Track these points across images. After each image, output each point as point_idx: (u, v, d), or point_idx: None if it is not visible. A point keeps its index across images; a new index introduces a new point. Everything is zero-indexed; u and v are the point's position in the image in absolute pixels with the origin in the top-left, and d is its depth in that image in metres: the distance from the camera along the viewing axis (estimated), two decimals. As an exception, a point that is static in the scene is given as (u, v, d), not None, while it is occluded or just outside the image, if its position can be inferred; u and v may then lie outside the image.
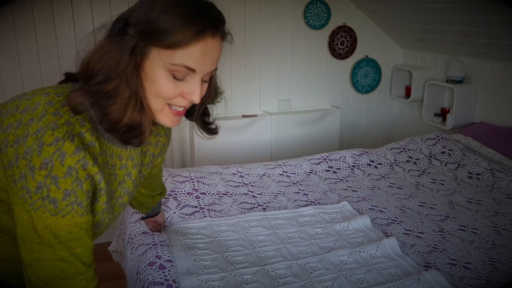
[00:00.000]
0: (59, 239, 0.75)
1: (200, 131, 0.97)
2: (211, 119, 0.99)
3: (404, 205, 1.84)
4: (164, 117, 0.84)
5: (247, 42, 3.08)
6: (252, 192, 1.93)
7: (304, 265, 1.36)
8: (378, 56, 3.44)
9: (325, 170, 2.22)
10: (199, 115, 0.95)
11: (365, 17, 3.33)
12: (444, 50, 3.00)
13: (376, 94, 3.53)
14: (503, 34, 2.37)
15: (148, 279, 1.26)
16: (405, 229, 1.63)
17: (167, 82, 0.78)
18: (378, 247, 1.45)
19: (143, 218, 1.53)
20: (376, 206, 1.82)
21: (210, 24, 0.77)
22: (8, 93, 2.64)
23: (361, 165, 2.27)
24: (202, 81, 0.83)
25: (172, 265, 1.32)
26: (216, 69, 0.84)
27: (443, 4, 2.50)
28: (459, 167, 2.23)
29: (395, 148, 2.42)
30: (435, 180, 2.13)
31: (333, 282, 1.27)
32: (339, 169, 2.23)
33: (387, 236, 1.55)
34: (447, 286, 1.25)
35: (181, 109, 0.84)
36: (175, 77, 0.78)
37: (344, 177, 2.15)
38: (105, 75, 0.76)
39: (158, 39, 0.74)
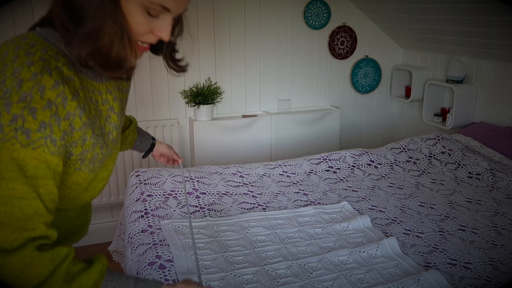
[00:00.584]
0: (23, 172, 0.70)
1: (169, 68, 0.96)
2: (179, 56, 0.98)
3: (404, 205, 1.84)
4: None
5: (247, 42, 3.08)
6: (252, 192, 1.93)
7: (304, 265, 1.36)
8: (378, 56, 3.44)
9: (325, 170, 2.22)
10: (168, 51, 0.95)
11: (365, 17, 3.33)
12: (444, 50, 3.00)
13: (376, 94, 3.53)
14: (503, 34, 2.37)
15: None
16: (405, 229, 1.63)
17: (140, 18, 0.78)
18: (378, 247, 1.45)
19: (144, 156, 1.51)
20: (376, 206, 1.82)
21: None
22: (8, 93, 2.65)
23: (361, 165, 2.27)
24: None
25: (172, 265, 1.32)
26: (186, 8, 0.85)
27: (443, 4, 2.50)
28: (459, 167, 2.23)
29: (395, 148, 2.42)
30: (435, 180, 2.13)
31: (333, 282, 1.27)
32: (339, 169, 2.24)
33: (387, 236, 1.55)
34: (447, 286, 1.25)
35: (146, 45, 0.84)
36: (149, 14, 0.78)
37: (344, 177, 2.15)
38: (91, 14, 0.74)
39: None
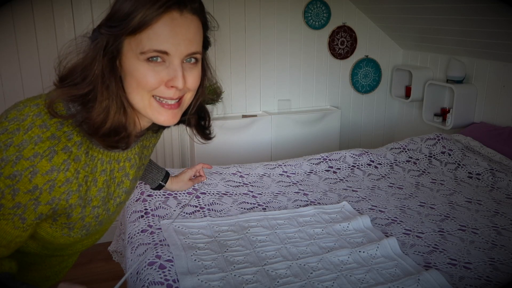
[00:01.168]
0: None
1: (194, 134, 0.94)
2: (207, 124, 0.95)
3: (404, 205, 1.84)
4: (155, 113, 0.80)
5: (247, 42, 3.08)
6: (252, 192, 1.93)
7: (304, 265, 1.36)
8: (378, 56, 3.44)
9: (325, 170, 2.22)
10: (195, 115, 0.92)
11: (365, 17, 3.33)
12: (444, 50, 3.00)
13: (376, 94, 3.53)
14: (503, 34, 2.37)
15: (148, 279, 1.26)
16: (405, 229, 1.63)
17: (144, 70, 0.75)
18: (378, 247, 1.45)
19: (157, 188, 1.40)
20: (376, 206, 1.82)
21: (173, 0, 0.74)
22: (8, 93, 2.64)
23: (361, 165, 2.27)
24: (189, 67, 0.79)
25: (172, 265, 1.32)
26: (197, 52, 0.80)
27: (443, 4, 2.50)
28: (459, 167, 2.23)
29: (395, 148, 2.42)
30: (435, 180, 2.13)
31: (333, 282, 1.27)
32: (339, 169, 2.23)
33: (387, 236, 1.55)
34: (447, 286, 1.25)
35: (171, 102, 0.79)
36: (151, 60, 0.75)
37: (344, 177, 2.15)
38: (81, 77, 0.75)
39: (122, 26, 0.73)
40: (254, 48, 3.11)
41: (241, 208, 1.77)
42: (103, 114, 0.76)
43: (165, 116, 0.80)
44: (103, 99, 0.75)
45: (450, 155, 2.32)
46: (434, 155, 2.36)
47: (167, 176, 1.37)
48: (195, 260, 1.35)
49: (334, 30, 3.24)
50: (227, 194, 1.89)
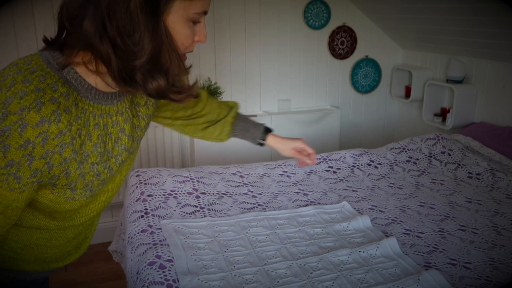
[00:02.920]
0: None
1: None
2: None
3: (404, 205, 1.84)
4: None
5: (247, 42, 3.08)
6: (252, 192, 1.93)
7: (304, 265, 1.36)
8: (378, 56, 3.44)
9: (325, 170, 2.22)
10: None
11: (365, 17, 3.33)
12: (444, 50, 3.01)
13: (376, 94, 3.53)
14: (503, 34, 2.37)
15: (148, 279, 1.26)
16: (405, 229, 1.63)
17: (188, 31, 0.79)
18: (378, 247, 1.45)
19: (261, 144, 1.39)
20: (376, 206, 1.82)
21: None
22: (8, 93, 2.65)
23: (361, 165, 2.27)
24: None
25: (172, 265, 1.32)
26: None
27: (443, 4, 2.50)
28: (459, 167, 2.23)
29: (395, 148, 2.42)
30: (435, 180, 2.13)
31: (333, 282, 1.27)
32: (339, 169, 2.24)
33: (387, 236, 1.55)
34: (447, 286, 1.25)
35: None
36: (194, 23, 0.81)
37: (344, 177, 2.15)
38: (147, 43, 0.74)
39: None
40: (254, 48, 3.11)
41: (241, 208, 1.77)
42: (180, 66, 0.80)
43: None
44: (166, 55, 0.77)
45: (450, 155, 2.32)
46: (434, 155, 2.36)
47: (266, 131, 1.38)
48: (195, 260, 1.35)
49: (334, 30, 3.24)
50: (227, 194, 1.89)
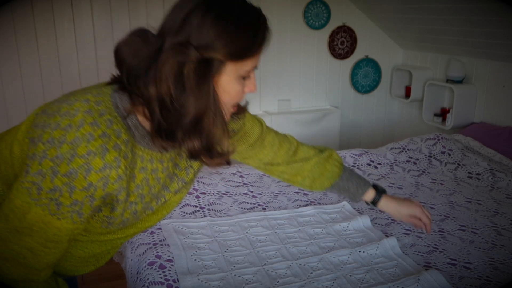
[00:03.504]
0: (42, 235, 0.77)
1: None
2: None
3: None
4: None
5: (247, 42, 3.08)
6: (252, 192, 1.93)
7: (304, 265, 1.36)
8: (378, 56, 3.44)
9: (325, 170, 2.22)
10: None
11: (365, 17, 3.33)
12: (444, 50, 3.01)
13: (376, 94, 3.53)
14: (503, 34, 2.37)
15: (148, 279, 1.26)
16: (405, 229, 1.63)
17: (239, 87, 0.83)
18: (378, 247, 1.45)
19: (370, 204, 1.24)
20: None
21: (267, 27, 0.84)
22: (8, 92, 2.65)
23: (361, 165, 2.27)
24: None
25: (172, 265, 1.32)
26: None
27: (443, 4, 2.50)
28: (459, 167, 2.23)
29: (395, 148, 2.42)
30: (435, 180, 2.13)
31: (333, 282, 1.27)
32: (339, 169, 2.23)
33: (387, 236, 1.55)
34: (447, 286, 1.25)
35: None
36: (243, 78, 0.84)
37: (344, 177, 2.15)
38: (196, 110, 0.78)
39: (238, 56, 0.79)
40: (254, 48, 3.11)
41: (241, 208, 1.77)
42: (220, 131, 0.82)
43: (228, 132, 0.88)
44: (209, 117, 0.80)
45: (450, 155, 2.32)
46: (434, 155, 2.36)
47: (378, 192, 1.22)
48: (195, 260, 1.35)
49: (334, 30, 3.24)
50: (227, 194, 1.89)
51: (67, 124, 0.74)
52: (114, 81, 0.86)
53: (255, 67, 0.85)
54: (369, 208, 1.72)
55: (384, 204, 1.22)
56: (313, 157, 1.20)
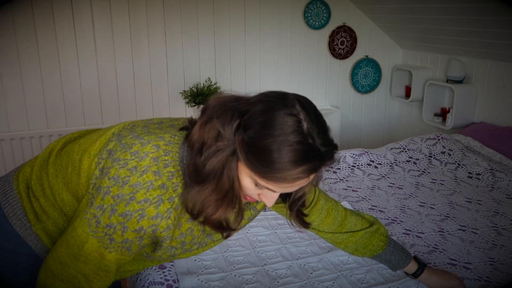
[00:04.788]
0: (96, 264, 0.83)
1: (290, 220, 0.96)
2: (306, 211, 0.98)
3: (404, 205, 1.84)
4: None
5: (247, 42, 3.08)
6: (252, 192, 1.93)
7: (304, 265, 1.36)
8: (378, 56, 3.44)
9: (325, 170, 2.22)
10: (296, 202, 0.93)
11: (365, 17, 3.33)
12: (444, 50, 3.00)
13: (376, 94, 3.53)
14: (503, 34, 2.37)
15: (148, 279, 1.26)
16: (405, 229, 1.63)
17: (249, 185, 0.80)
18: (378, 247, 1.44)
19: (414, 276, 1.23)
20: (376, 206, 1.82)
21: (309, 170, 0.75)
22: (8, 92, 2.64)
23: (361, 165, 2.27)
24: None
25: (172, 265, 1.32)
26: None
27: (443, 4, 2.50)
28: (459, 167, 2.23)
29: (395, 148, 2.42)
30: (435, 180, 2.13)
31: (333, 282, 1.27)
32: (339, 169, 2.23)
33: (387, 236, 1.54)
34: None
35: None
36: (256, 185, 0.80)
37: (344, 177, 2.15)
38: (213, 174, 0.78)
39: (255, 167, 0.75)
40: (254, 48, 3.11)
41: (241, 208, 1.77)
42: (217, 206, 0.81)
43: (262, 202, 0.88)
44: (221, 191, 0.80)
45: (450, 155, 2.32)
46: (434, 155, 2.36)
47: (420, 267, 1.21)
48: (195, 260, 1.35)
49: (334, 30, 3.24)
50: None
51: (134, 166, 0.79)
52: (191, 125, 0.86)
53: (272, 191, 0.80)
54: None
55: (425, 277, 1.22)
56: (359, 232, 1.17)
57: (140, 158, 0.80)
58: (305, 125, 0.74)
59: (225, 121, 0.77)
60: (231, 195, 0.80)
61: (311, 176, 0.78)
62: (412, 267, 1.21)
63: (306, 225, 0.96)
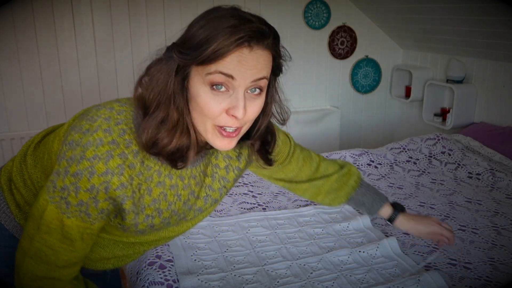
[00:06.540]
0: (58, 232, 0.82)
1: (256, 157, 0.94)
2: (271, 149, 0.95)
3: (404, 205, 1.84)
4: (214, 139, 0.81)
5: (247, 42, 3.08)
6: (252, 192, 1.93)
7: (304, 265, 1.36)
8: (378, 56, 3.44)
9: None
10: (259, 138, 0.91)
11: (365, 17, 3.33)
12: (444, 50, 3.01)
13: (376, 94, 3.53)
14: (503, 34, 2.37)
15: (148, 279, 1.26)
16: (405, 229, 1.63)
17: (208, 97, 0.76)
18: (378, 247, 1.45)
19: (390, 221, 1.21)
20: (376, 206, 1.82)
21: (246, 37, 0.75)
22: (8, 93, 2.65)
23: (361, 165, 2.27)
24: (251, 97, 0.80)
25: (172, 265, 1.32)
26: (263, 78, 0.80)
27: (443, 4, 2.50)
28: (459, 167, 2.23)
29: (395, 148, 2.42)
30: (435, 180, 2.13)
31: (333, 282, 1.27)
32: (339, 169, 2.23)
33: (387, 236, 1.55)
34: (447, 286, 1.25)
35: (230, 129, 0.80)
36: (215, 88, 0.76)
37: (344, 177, 2.15)
38: (157, 102, 0.79)
39: (193, 56, 0.75)
40: (254, 48, 3.11)
41: (241, 208, 1.77)
42: (171, 136, 0.80)
43: (221, 142, 0.81)
44: (174, 120, 0.79)
45: (450, 155, 2.32)
46: (434, 155, 2.36)
47: (396, 210, 1.20)
48: (195, 260, 1.35)
49: (334, 30, 3.24)
50: (227, 194, 1.89)
51: (87, 129, 0.78)
52: None
53: (229, 76, 0.75)
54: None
55: (400, 222, 1.19)
56: (333, 174, 1.17)
57: (94, 120, 0.79)
58: (239, 12, 0.79)
59: (162, 59, 0.80)
60: (182, 122, 0.80)
61: (255, 55, 0.78)
62: (388, 211, 1.19)
63: (269, 162, 0.95)
